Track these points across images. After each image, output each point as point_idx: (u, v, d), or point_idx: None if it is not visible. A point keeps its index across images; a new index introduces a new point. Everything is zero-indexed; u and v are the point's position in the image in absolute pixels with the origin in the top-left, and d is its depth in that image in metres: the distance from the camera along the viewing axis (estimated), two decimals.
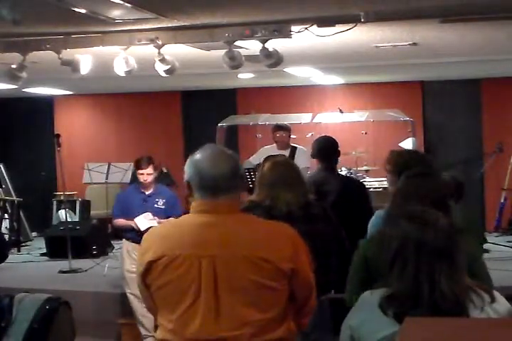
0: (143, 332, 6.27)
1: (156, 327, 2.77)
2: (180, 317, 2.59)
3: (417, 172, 3.42)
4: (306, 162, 8.13)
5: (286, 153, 8.05)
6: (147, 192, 6.61)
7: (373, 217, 4.14)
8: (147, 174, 6.52)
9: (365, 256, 3.17)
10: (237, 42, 6.06)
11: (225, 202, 2.63)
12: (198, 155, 2.66)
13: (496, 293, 2.53)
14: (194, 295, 2.57)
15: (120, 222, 6.62)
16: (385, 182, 9.06)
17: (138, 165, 6.63)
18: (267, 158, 4.32)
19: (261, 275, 2.55)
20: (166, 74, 6.36)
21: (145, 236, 2.75)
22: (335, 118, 10.13)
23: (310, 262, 2.71)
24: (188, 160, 2.69)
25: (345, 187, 4.97)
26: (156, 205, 6.57)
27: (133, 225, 6.41)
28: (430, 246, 2.48)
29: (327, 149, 5.18)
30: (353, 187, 5.18)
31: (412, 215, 2.60)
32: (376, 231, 3.46)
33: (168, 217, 6.19)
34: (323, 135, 5.68)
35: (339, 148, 5.24)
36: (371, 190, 9.00)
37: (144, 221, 6.36)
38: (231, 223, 2.64)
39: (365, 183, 9.05)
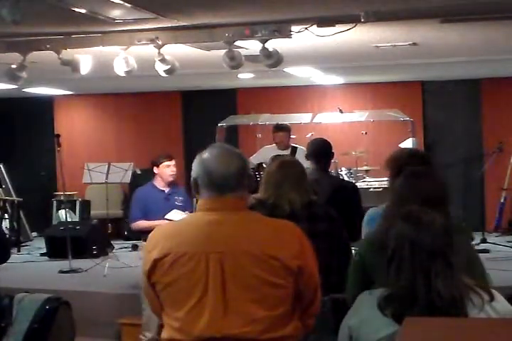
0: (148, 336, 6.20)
1: (161, 328, 2.76)
2: (187, 315, 2.59)
3: (415, 171, 3.41)
4: (306, 162, 8.14)
5: (287, 153, 8.06)
6: (166, 191, 6.54)
7: (366, 216, 4.16)
8: (173, 165, 6.43)
9: (362, 256, 3.18)
10: (237, 42, 6.06)
11: (232, 200, 2.64)
12: (206, 154, 2.68)
13: (495, 292, 2.53)
14: (201, 292, 2.57)
15: (143, 223, 6.47)
16: (385, 182, 9.11)
17: (162, 159, 6.52)
18: (274, 158, 4.37)
19: (268, 273, 2.56)
20: (166, 74, 6.36)
21: (151, 234, 2.75)
22: (335, 118, 10.13)
23: (315, 261, 2.72)
24: (196, 159, 2.70)
25: (336, 188, 4.98)
26: (176, 203, 6.51)
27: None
28: (425, 246, 2.48)
29: (320, 151, 5.24)
30: (345, 189, 5.19)
31: (408, 215, 2.60)
32: (372, 231, 3.47)
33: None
34: (318, 137, 5.74)
35: (333, 150, 5.29)
36: (371, 190, 9.01)
37: (177, 216, 6.27)
38: (238, 220, 2.65)
39: (365, 183, 9.14)
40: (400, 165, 3.88)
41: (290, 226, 2.72)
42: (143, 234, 6.53)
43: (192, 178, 2.70)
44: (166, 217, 6.35)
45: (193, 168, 2.70)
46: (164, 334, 2.68)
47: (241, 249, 2.57)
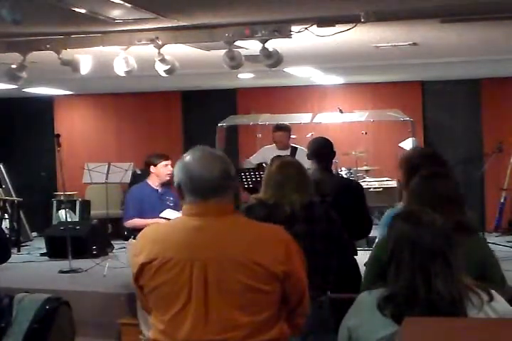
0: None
1: None
2: (171, 320, 2.59)
3: (432, 172, 3.41)
4: (306, 162, 8.14)
5: (287, 153, 8.04)
6: (159, 190, 6.61)
7: (384, 216, 4.16)
8: (170, 165, 6.51)
9: (379, 256, 3.16)
10: (237, 42, 6.06)
11: (216, 205, 2.60)
12: (187, 158, 2.63)
13: (494, 293, 2.53)
14: (185, 298, 2.56)
15: (138, 221, 6.48)
16: (385, 182, 9.15)
17: (159, 159, 6.59)
18: (275, 158, 4.34)
19: (252, 279, 2.53)
20: (166, 74, 6.36)
21: (138, 236, 2.73)
22: (335, 118, 10.14)
23: (303, 265, 2.68)
24: (178, 163, 2.66)
25: (341, 188, 4.96)
26: (167, 202, 6.57)
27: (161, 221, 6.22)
28: (424, 246, 2.48)
29: (322, 150, 5.17)
30: (349, 187, 5.15)
31: (408, 215, 2.60)
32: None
33: None
34: (319, 136, 5.67)
35: (335, 149, 5.25)
36: (371, 190, 9.01)
37: (173, 214, 6.28)
38: (222, 226, 2.61)
39: (365, 183, 9.13)
40: (413, 165, 3.88)
41: (276, 231, 2.68)
42: (135, 232, 6.54)
43: (175, 183, 2.65)
44: (161, 215, 6.38)
45: (174, 172, 2.66)
46: (151, 335, 2.68)
47: (224, 256, 2.54)
